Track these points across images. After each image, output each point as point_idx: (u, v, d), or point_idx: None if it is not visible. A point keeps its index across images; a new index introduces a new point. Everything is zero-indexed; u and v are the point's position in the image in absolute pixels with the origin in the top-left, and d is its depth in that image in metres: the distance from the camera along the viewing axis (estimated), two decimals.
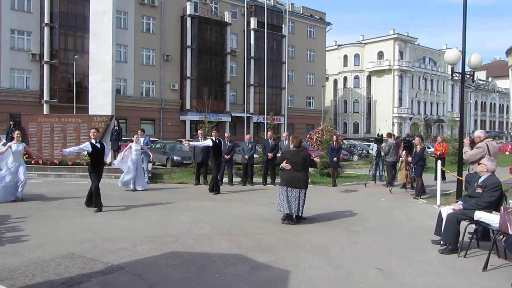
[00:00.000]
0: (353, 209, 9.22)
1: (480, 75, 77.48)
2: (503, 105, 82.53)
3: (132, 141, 12.22)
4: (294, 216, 7.63)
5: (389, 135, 14.60)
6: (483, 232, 5.96)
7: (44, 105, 32.29)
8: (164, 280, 4.63)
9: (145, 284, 4.50)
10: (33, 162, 14.57)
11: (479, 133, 8.17)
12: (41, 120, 15.81)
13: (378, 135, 15.48)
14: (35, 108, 31.15)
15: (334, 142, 14.08)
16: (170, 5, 38.93)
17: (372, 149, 16.76)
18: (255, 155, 14.37)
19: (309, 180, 14.09)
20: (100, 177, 8.97)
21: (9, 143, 9.84)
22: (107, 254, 5.53)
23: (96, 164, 8.85)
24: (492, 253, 5.32)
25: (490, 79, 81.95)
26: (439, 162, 11.29)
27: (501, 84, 78.31)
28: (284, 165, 7.67)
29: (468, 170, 8.33)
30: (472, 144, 8.28)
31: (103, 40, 16.26)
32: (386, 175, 14.18)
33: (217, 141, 11.96)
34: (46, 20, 32.31)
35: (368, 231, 7.21)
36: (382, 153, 14.49)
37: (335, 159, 13.84)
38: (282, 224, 7.60)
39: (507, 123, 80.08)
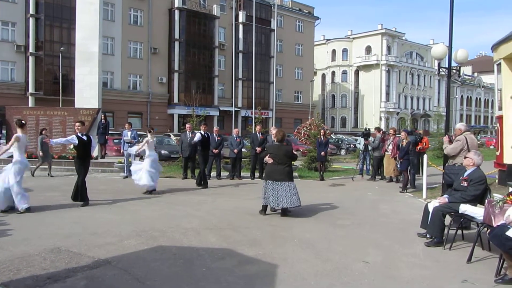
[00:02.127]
0: (340, 203, 9.28)
1: (466, 70, 78.37)
2: (488, 100, 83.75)
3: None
4: (270, 208, 7.88)
5: (378, 129, 14.68)
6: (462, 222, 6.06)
7: (29, 97, 31.80)
8: (151, 274, 4.61)
9: (132, 279, 4.47)
10: None
11: (459, 125, 8.26)
12: (26, 113, 15.52)
13: (365, 129, 15.57)
14: (20, 100, 30.66)
15: (322, 137, 14.14)
16: None
17: (359, 143, 16.84)
18: (243, 149, 14.37)
19: (296, 174, 14.48)
20: (87, 171, 8.86)
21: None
22: (94, 248, 5.48)
23: (82, 157, 8.72)
24: (476, 245, 5.41)
25: (475, 74, 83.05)
26: (425, 156, 11.43)
27: (486, 79, 79.31)
28: (267, 159, 7.87)
29: (447, 163, 8.41)
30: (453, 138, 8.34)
31: (89, 32, 15.99)
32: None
33: (206, 135, 11.97)
34: (32, 10, 31.71)
35: (355, 225, 7.27)
36: (370, 147, 14.60)
37: (322, 153, 13.89)
38: (270, 217, 7.64)
39: (492, 117, 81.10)
